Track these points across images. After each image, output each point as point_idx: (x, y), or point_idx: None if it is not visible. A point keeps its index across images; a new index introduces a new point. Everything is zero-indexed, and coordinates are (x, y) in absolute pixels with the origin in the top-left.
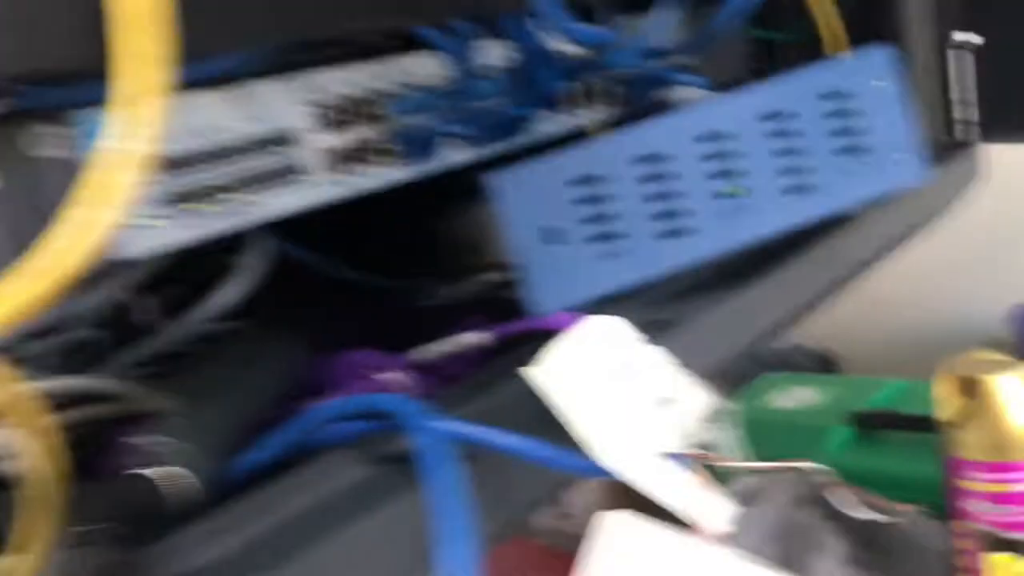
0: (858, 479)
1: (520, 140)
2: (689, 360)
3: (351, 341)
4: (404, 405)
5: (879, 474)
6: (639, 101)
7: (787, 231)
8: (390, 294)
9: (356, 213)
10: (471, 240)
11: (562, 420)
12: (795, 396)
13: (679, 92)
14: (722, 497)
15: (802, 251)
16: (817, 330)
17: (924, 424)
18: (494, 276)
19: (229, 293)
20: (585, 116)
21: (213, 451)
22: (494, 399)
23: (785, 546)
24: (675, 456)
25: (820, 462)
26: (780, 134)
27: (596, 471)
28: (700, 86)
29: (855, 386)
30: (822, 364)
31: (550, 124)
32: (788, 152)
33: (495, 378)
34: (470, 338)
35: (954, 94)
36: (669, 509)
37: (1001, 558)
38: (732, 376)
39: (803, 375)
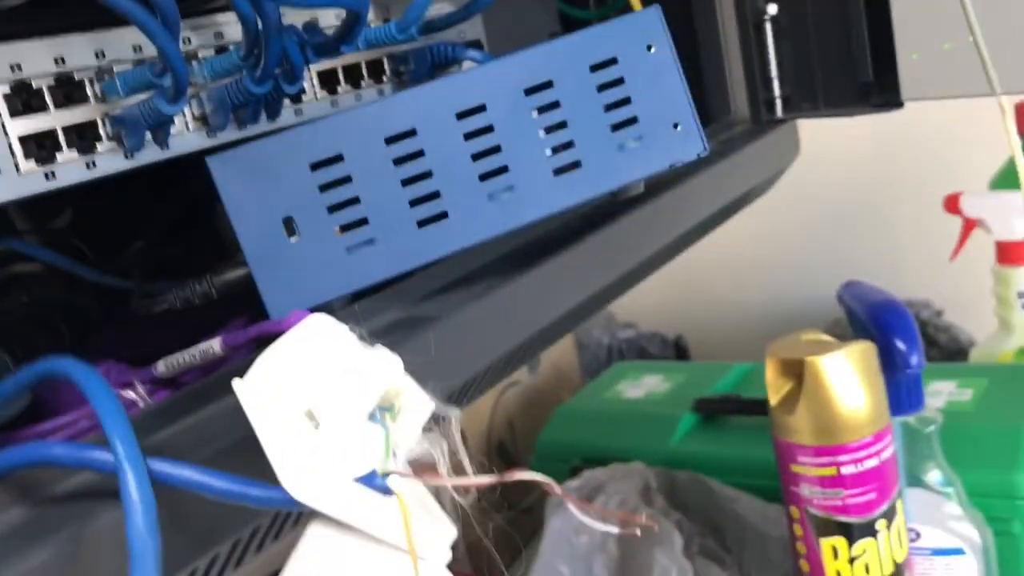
0: (703, 466)
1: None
2: (455, 359)
3: (96, 353)
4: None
5: (721, 459)
6: (423, 78)
7: (559, 213)
8: (141, 296)
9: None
10: (211, 237)
11: (260, 441)
12: (645, 384)
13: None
14: (441, 520)
15: (598, 233)
16: (669, 317)
17: (761, 408)
18: (236, 274)
19: None
20: (373, 96)
21: None
22: (203, 418)
23: (629, 539)
24: (382, 479)
25: (668, 450)
26: (547, 107)
27: (287, 503)
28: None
29: (703, 372)
30: (677, 351)
31: (323, 106)
32: (557, 127)
33: (213, 391)
34: (212, 346)
35: (772, 71)
36: (380, 539)
37: (834, 541)
38: (585, 364)
39: (655, 362)
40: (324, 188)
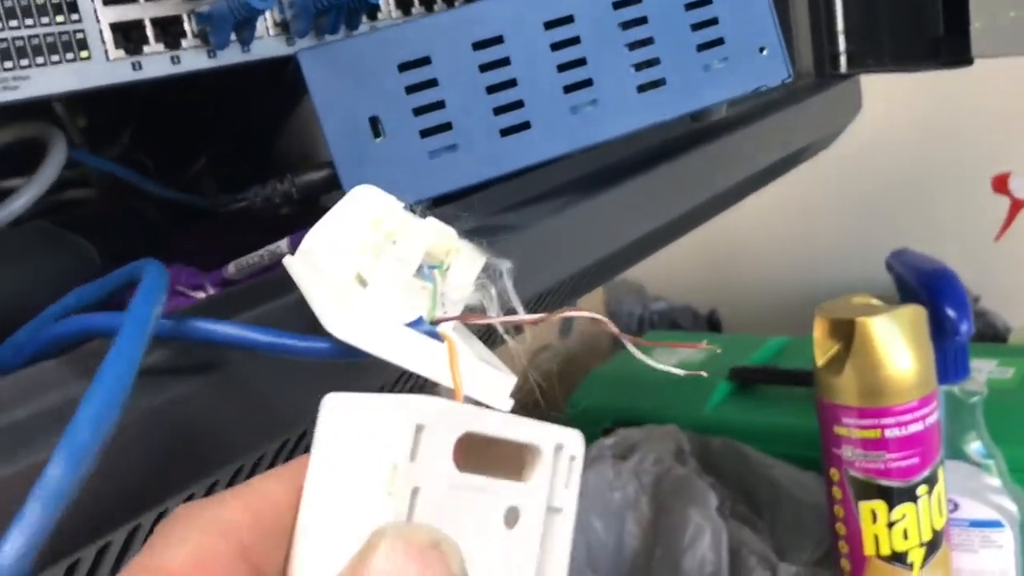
0: (737, 433)
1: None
2: (529, 271)
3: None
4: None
5: (757, 427)
6: None
7: (640, 132)
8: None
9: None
10: (300, 135)
11: (308, 300)
12: (680, 353)
13: None
14: (499, 368)
15: (672, 162)
16: (701, 293)
17: (798, 378)
18: (315, 176)
19: (14, 204)
20: None
21: None
22: (261, 312)
23: (662, 498)
24: (430, 324)
25: (703, 416)
26: (634, 23)
27: (331, 352)
28: None
29: (737, 344)
30: (710, 325)
31: None
32: (643, 43)
33: (271, 287)
34: (280, 246)
35: (839, 25)
36: (437, 382)
37: (874, 505)
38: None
39: (690, 333)
40: (411, 90)
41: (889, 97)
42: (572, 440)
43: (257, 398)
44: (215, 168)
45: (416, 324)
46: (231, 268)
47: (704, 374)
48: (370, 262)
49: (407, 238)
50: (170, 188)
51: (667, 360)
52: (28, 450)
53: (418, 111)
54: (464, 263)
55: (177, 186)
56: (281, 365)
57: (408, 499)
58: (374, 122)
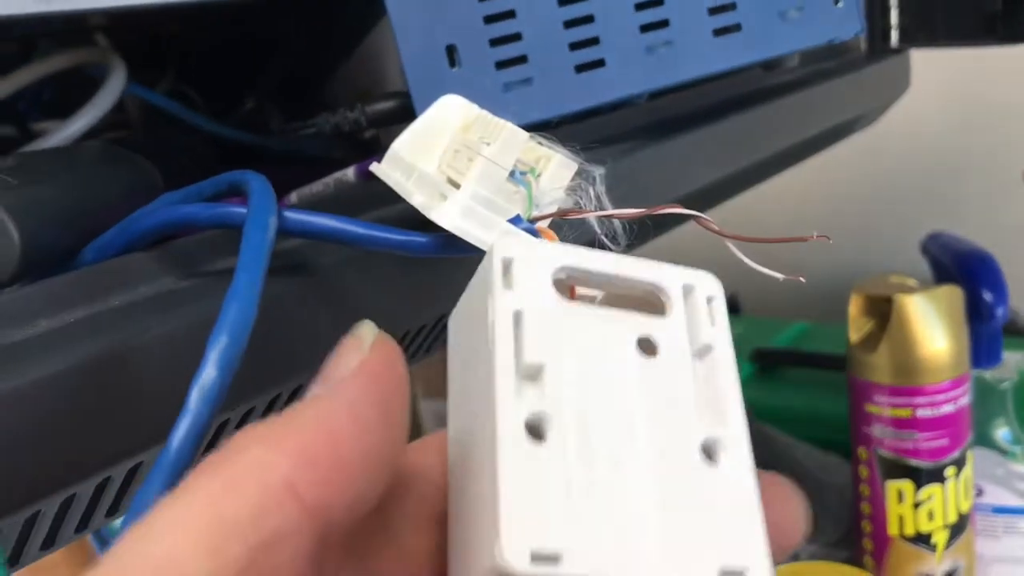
0: (759, 413)
1: None
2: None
3: None
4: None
5: (779, 409)
6: None
7: (714, 76)
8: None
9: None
10: (366, 66)
11: (409, 199)
12: None
13: None
14: None
15: (739, 116)
16: (722, 276)
17: (823, 361)
18: (386, 105)
19: (72, 127)
20: None
21: (42, 221)
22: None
23: None
24: (527, 221)
25: None
26: None
27: (427, 246)
28: None
29: (758, 327)
30: (730, 306)
31: None
32: None
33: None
34: (346, 174)
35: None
36: None
37: (900, 484)
38: None
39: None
40: (489, 20)
41: (921, 83)
42: (705, 281)
43: (345, 304)
44: (264, 107)
45: (515, 221)
46: (292, 197)
47: (802, 279)
48: (463, 165)
49: (499, 142)
50: (222, 125)
51: None
52: (125, 335)
53: (495, 42)
54: (555, 169)
55: (228, 124)
56: (368, 276)
57: (511, 325)
58: (451, 51)
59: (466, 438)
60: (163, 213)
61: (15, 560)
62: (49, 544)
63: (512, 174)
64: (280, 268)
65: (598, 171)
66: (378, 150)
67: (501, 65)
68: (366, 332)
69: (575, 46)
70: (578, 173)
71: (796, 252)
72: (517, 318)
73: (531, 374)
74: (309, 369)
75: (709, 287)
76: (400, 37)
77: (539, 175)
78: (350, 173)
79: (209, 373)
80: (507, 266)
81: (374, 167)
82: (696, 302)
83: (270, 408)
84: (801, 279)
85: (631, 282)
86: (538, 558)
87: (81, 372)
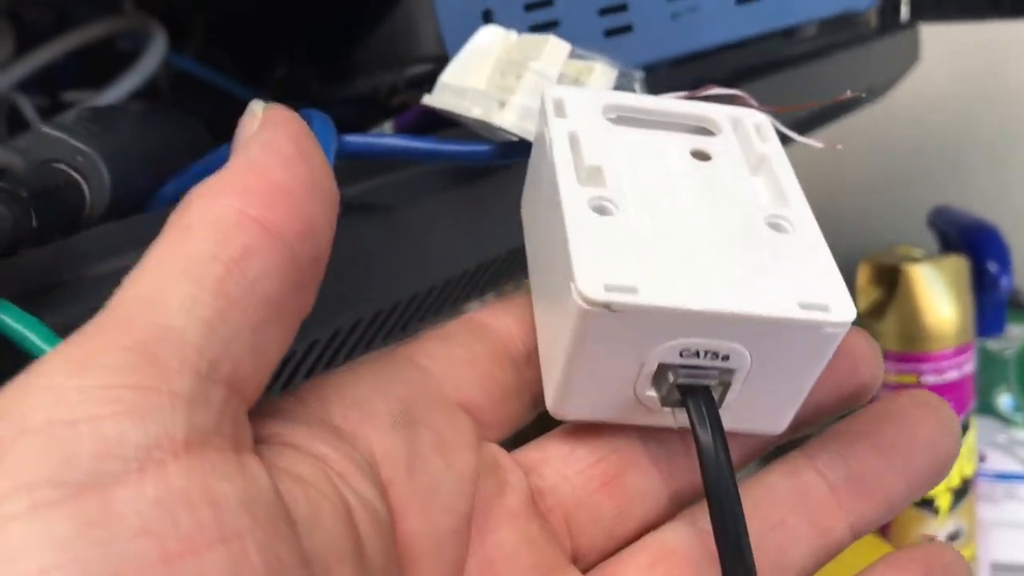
0: None
1: None
2: None
3: None
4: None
5: None
6: None
7: (735, 42)
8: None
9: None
10: (400, 31)
11: (468, 115)
12: None
13: None
14: None
15: (757, 81)
16: None
17: None
18: (423, 68)
19: (112, 92)
20: None
21: (126, 164)
22: None
23: None
24: None
25: None
26: None
27: (490, 152)
28: None
29: None
30: None
31: None
32: None
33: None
34: (384, 128)
35: None
36: None
37: None
38: None
39: None
40: None
41: (931, 59)
42: (751, 113)
43: (408, 237)
44: (295, 72)
45: None
46: None
47: (840, 147)
48: (511, 82)
49: (544, 55)
50: (258, 91)
51: None
52: None
53: (529, 7)
54: (598, 76)
55: (261, 90)
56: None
57: (566, 140)
58: (487, 14)
59: (543, 262)
60: (201, 168)
61: None
62: None
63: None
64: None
65: (638, 74)
66: (412, 108)
67: (534, 29)
68: (255, 105)
69: (604, 12)
70: (620, 76)
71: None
72: (573, 137)
73: (592, 175)
74: (369, 301)
75: (756, 118)
76: (439, 2)
77: (584, 84)
78: (387, 127)
79: None
80: (559, 104)
81: (427, 98)
82: (745, 128)
83: (331, 341)
84: (839, 147)
85: (680, 116)
86: (613, 289)
87: None
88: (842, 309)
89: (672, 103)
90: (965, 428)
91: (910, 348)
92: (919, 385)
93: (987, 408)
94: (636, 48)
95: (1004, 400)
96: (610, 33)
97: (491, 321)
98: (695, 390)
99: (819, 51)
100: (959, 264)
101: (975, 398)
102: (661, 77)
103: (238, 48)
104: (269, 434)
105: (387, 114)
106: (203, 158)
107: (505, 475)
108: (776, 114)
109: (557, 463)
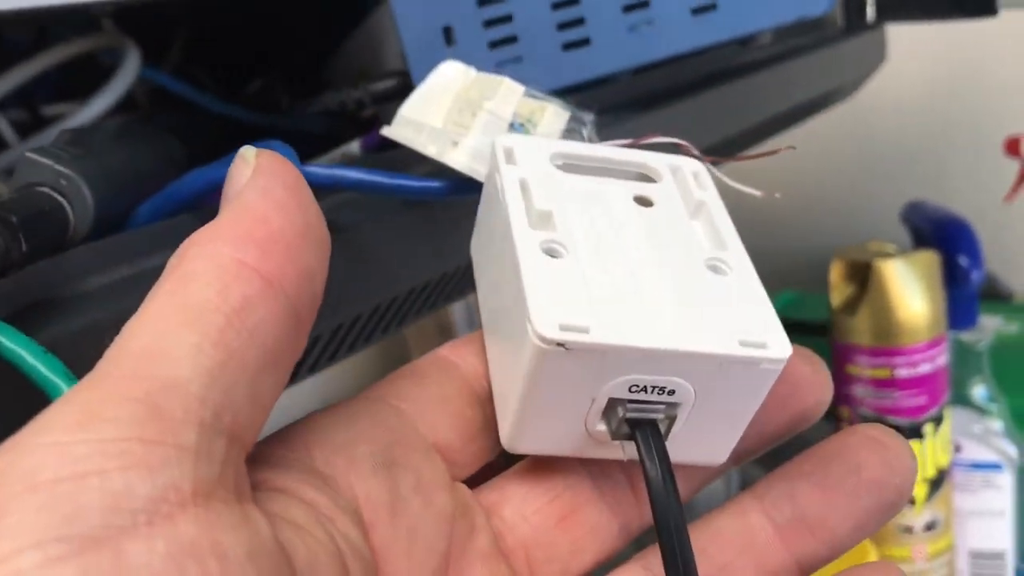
0: None
1: None
2: None
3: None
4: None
5: None
6: None
7: (691, 52)
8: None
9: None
10: (366, 48)
11: (424, 151)
12: None
13: None
14: None
15: (715, 90)
16: None
17: (807, 328)
18: (387, 84)
19: (86, 112)
20: None
21: (108, 186)
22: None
23: None
24: None
25: None
26: None
27: (441, 189)
28: None
29: None
30: None
31: None
32: None
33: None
34: (351, 148)
35: None
36: None
37: None
38: None
39: None
40: (483, 3)
41: (903, 55)
42: (689, 162)
43: (363, 257)
44: (272, 87)
45: None
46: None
47: (777, 195)
48: (467, 119)
49: (498, 96)
50: (230, 106)
51: None
52: None
53: (488, 23)
54: (550, 118)
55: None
56: (386, 231)
57: (517, 186)
58: (448, 32)
59: (495, 302)
60: (207, 174)
61: None
62: None
63: (512, 125)
64: None
65: (588, 117)
66: (378, 128)
67: (494, 45)
68: (247, 152)
69: (562, 26)
70: (571, 119)
71: (781, 221)
72: (523, 183)
73: (542, 219)
74: (330, 316)
75: (694, 166)
76: (400, 20)
77: (536, 124)
78: (355, 147)
79: None
80: (509, 152)
81: (385, 130)
82: (684, 175)
83: None
84: (776, 195)
85: (623, 163)
86: (567, 328)
87: None
88: (778, 346)
89: (616, 152)
90: (939, 420)
91: (883, 342)
92: (893, 379)
93: (962, 399)
94: (594, 61)
95: (978, 391)
96: (568, 46)
97: (457, 360)
98: (643, 423)
99: (785, 54)
100: (930, 259)
101: (950, 390)
102: (621, 87)
103: (215, 64)
104: (260, 479)
105: (356, 126)
106: (179, 178)
107: (474, 516)
108: (714, 163)
109: (516, 503)
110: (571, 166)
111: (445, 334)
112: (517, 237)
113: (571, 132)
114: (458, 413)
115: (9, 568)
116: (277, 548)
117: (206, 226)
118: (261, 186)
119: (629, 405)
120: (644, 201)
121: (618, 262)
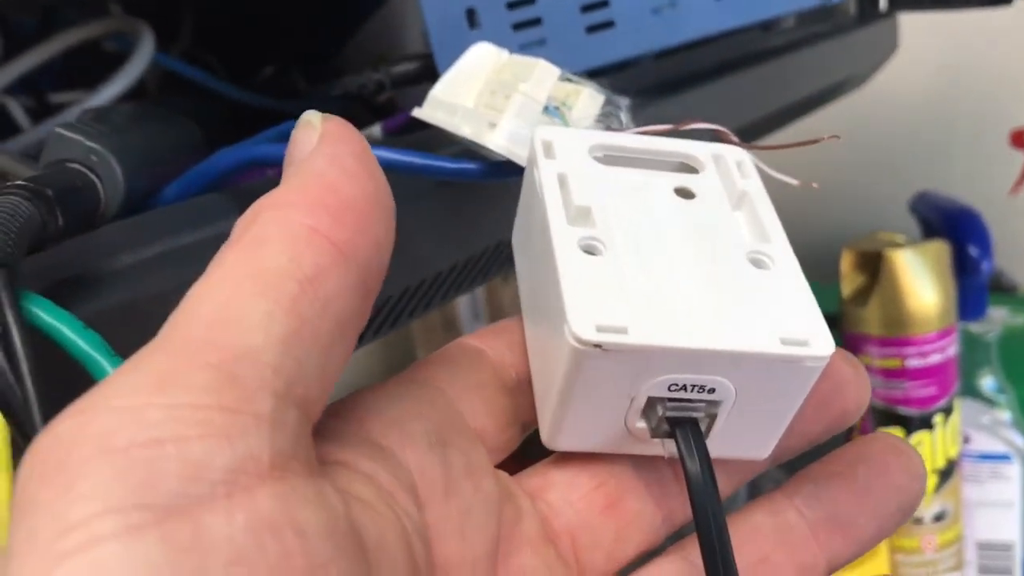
0: None
1: None
2: None
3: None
4: None
5: None
6: None
7: (714, 35)
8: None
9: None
10: (385, 31)
11: (459, 132)
12: None
13: None
14: None
15: (735, 76)
16: None
17: None
18: (409, 67)
19: (102, 95)
20: None
21: (137, 163)
22: None
23: None
24: None
25: None
26: None
27: (478, 171)
28: None
29: None
30: None
31: None
32: None
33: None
34: (373, 132)
35: None
36: None
37: (892, 432)
38: None
39: None
40: None
41: (910, 47)
42: (732, 150)
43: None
44: (286, 71)
45: None
46: None
47: (815, 185)
48: (500, 102)
49: (533, 78)
50: (244, 91)
51: None
52: (192, 270)
53: (511, 5)
54: (585, 101)
55: (249, 89)
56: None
57: (555, 181)
58: (471, 14)
59: (536, 297)
60: (238, 153)
61: None
62: None
63: (546, 108)
64: None
65: (624, 101)
66: (394, 112)
67: (518, 27)
68: (312, 116)
69: (586, 8)
70: (606, 102)
71: (791, 211)
72: (562, 178)
73: (581, 215)
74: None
75: (738, 154)
76: (425, 2)
77: (571, 108)
78: (376, 130)
79: None
80: (548, 146)
81: (417, 112)
82: (727, 164)
83: None
84: (814, 185)
85: (663, 154)
86: (604, 329)
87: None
88: (821, 344)
89: (656, 141)
90: (949, 410)
91: (894, 333)
92: (903, 369)
93: (971, 390)
94: (618, 43)
95: (987, 382)
96: (592, 29)
97: (485, 347)
98: (683, 422)
99: (800, 42)
100: (940, 249)
101: (959, 380)
102: (643, 71)
103: (226, 48)
104: (320, 452)
105: (374, 111)
106: (207, 158)
107: (519, 501)
108: (755, 151)
109: (561, 489)
110: (611, 158)
111: (450, 328)
112: (555, 234)
113: (607, 116)
114: (492, 400)
115: (87, 534)
116: (350, 525)
117: (274, 191)
118: (329, 153)
119: (669, 403)
120: (686, 193)
121: (657, 258)
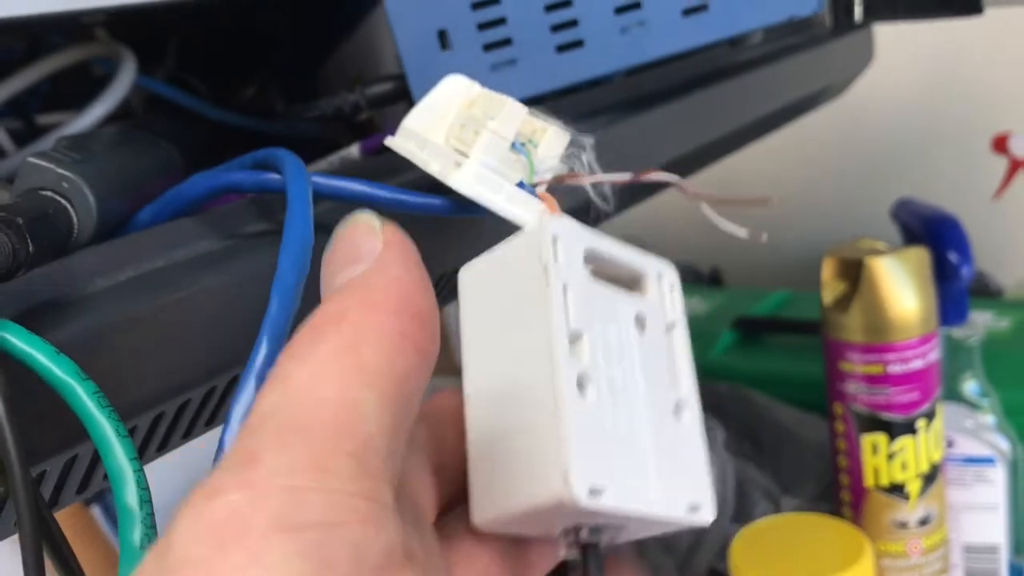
0: (741, 379)
1: None
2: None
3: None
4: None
5: (760, 373)
6: None
7: (683, 52)
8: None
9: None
10: (360, 52)
11: (425, 168)
12: (687, 305)
13: None
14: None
15: (706, 91)
16: (702, 251)
17: (801, 327)
18: (384, 87)
19: (83, 120)
20: None
21: (109, 190)
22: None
23: None
24: (530, 185)
25: (708, 362)
26: None
27: (444, 207)
28: None
29: (740, 296)
30: (711, 281)
31: None
32: None
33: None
34: (351, 152)
35: None
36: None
37: (875, 437)
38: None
39: (694, 285)
40: (476, 6)
41: (891, 54)
42: (668, 270)
43: None
44: (266, 92)
45: (520, 186)
46: None
47: (764, 237)
48: (469, 137)
49: (501, 116)
50: (225, 112)
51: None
52: (167, 291)
53: (482, 26)
54: (551, 139)
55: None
56: None
57: (562, 296)
58: (442, 35)
59: (505, 391)
60: (212, 179)
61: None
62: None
63: (513, 144)
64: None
65: (588, 140)
66: (373, 132)
67: (488, 47)
68: (369, 217)
69: (556, 28)
70: (571, 142)
71: (774, 222)
72: (564, 290)
73: (574, 339)
74: None
75: (671, 276)
76: (395, 24)
77: (537, 145)
78: (354, 150)
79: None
80: (555, 242)
81: (389, 141)
82: (664, 287)
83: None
84: (763, 237)
85: (623, 265)
86: (592, 492)
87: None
88: (708, 510)
89: (621, 251)
90: (932, 415)
91: (875, 339)
92: (886, 375)
93: (954, 394)
94: (588, 62)
95: (970, 386)
96: (562, 48)
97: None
98: (594, 545)
99: (776, 54)
100: (921, 255)
101: (941, 385)
102: (614, 89)
103: (209, 70)
104: None
105: (351, 130)
106: (181, 183)
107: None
108: (707, 200)
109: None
110: (596, 270)
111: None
112: (560, 364)
113: (570, 157)
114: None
115: None
116: None
117: (356, 289)
118: (400, 261)
119: (591, 530)
120: (641, 323)
121: (624, 405)
